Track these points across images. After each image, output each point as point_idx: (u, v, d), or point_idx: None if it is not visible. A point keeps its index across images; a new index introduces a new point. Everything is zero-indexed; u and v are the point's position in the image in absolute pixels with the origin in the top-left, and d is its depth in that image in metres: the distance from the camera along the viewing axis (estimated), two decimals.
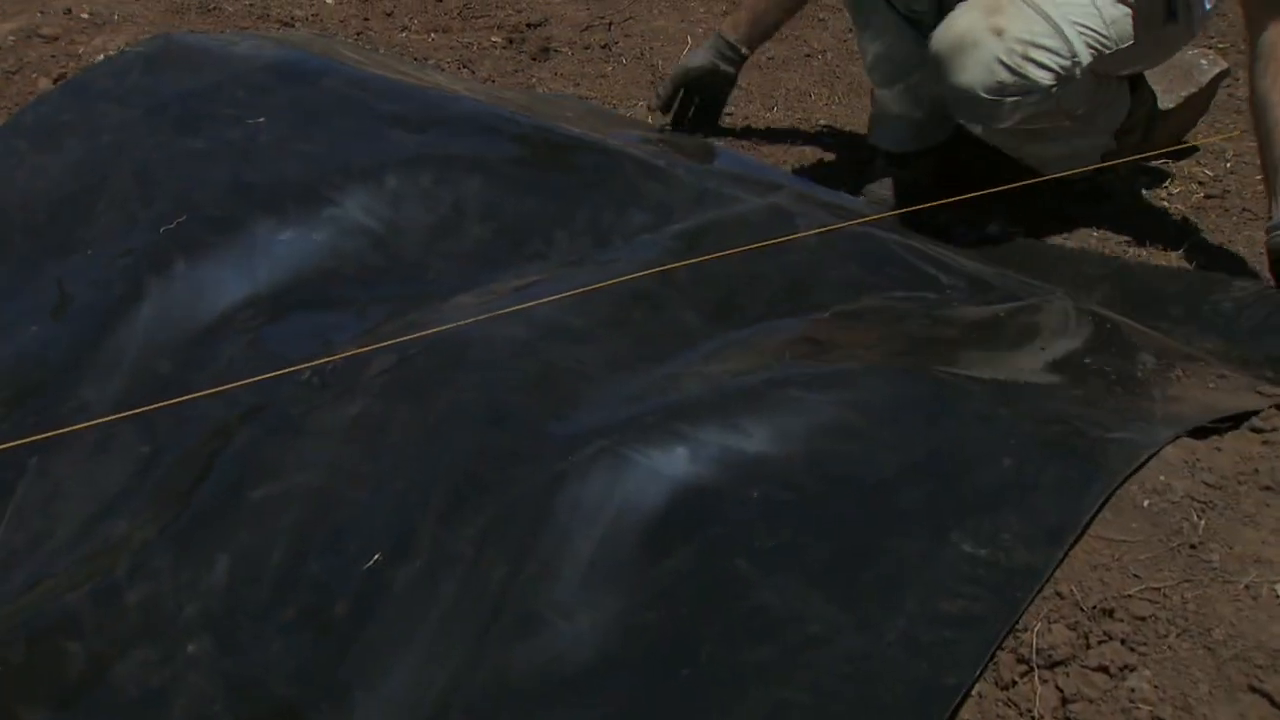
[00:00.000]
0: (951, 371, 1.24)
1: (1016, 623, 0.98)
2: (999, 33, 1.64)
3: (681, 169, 1.67)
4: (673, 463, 1.08)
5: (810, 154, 2.31)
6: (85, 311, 1.42)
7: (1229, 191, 2.11)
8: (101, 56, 2.39)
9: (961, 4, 1.74)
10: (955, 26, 1.69)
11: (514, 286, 1.41)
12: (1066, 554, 1.03)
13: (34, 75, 2.30)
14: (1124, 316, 1.51)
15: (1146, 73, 2.22)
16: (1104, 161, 1.96)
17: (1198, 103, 2.25)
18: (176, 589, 1.11)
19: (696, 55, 2.23)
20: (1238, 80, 2.64)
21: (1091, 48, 1.70)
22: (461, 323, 1.29)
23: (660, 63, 2.80)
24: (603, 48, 2.90)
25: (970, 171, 1.98)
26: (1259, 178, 2.16)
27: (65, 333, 1.40)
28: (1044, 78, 1.67)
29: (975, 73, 1.66)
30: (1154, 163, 2.22)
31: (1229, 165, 2.23)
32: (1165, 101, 2.18)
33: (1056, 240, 1.90)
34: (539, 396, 1.20)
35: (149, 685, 1.05)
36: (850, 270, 1.48)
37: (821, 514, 1.06)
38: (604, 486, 1.06)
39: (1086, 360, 1.31)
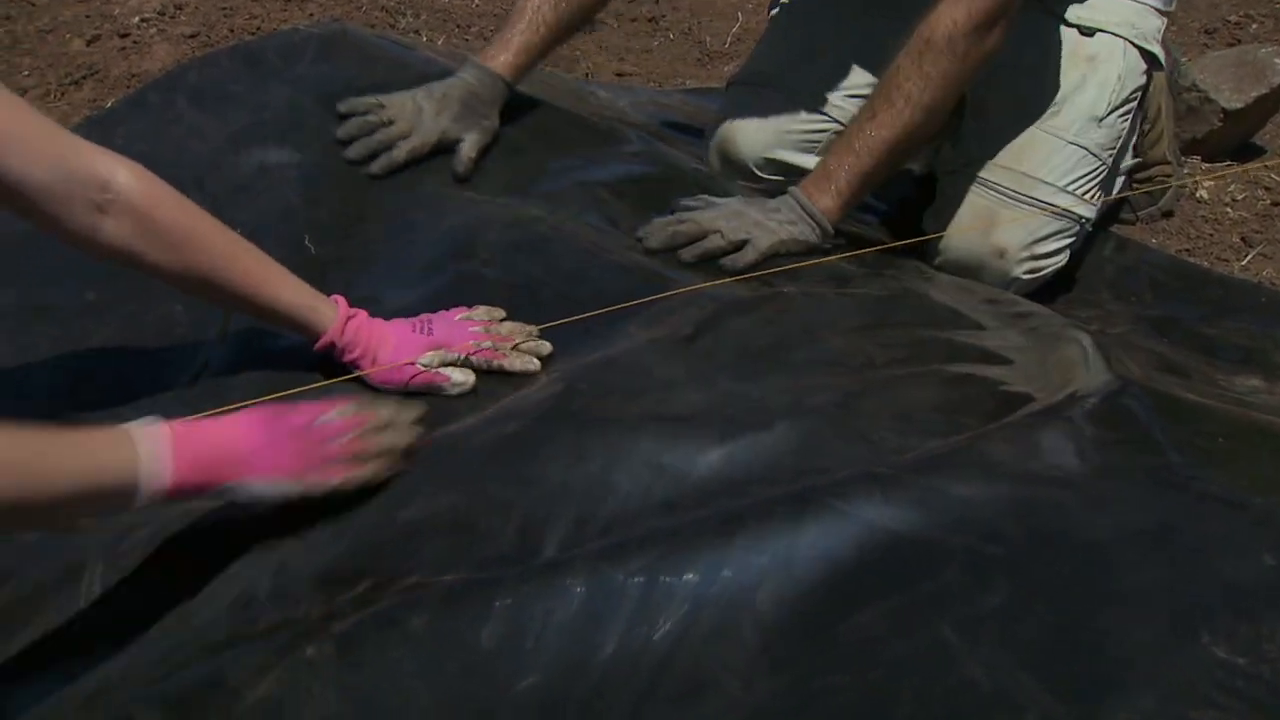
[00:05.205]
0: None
1: None
2: (1001, 254, 1.58)
3: None
4: (864, 503, 0.96)
5: None
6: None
7: None
8: (137, 19, 2.35)
9: (956, 210, 1.61)
10: (954, 251, 1.60)
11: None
12: None
13: (67, 35, 2.27)
14: None
15: (1213, 70, 2.14)
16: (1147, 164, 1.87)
17: (1268, 103, 2.15)
18: None
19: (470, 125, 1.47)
20: None
21: (1090, 193, 1.61)
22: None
23: (709, 39, 2.73)
24: (649, 20, 2.83)
25: None
26: None
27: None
28: (1058, 257, 1.62)
29: (990, 288, 1.58)
30: (1218, 165, 2.13)
31: None
32: (1233, 101, 2.09)
33: (1109, 250, 1.82)
34: (704, 426, 1.07)
35: None
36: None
37: (1033, 578, 0.92)
38: (786, 530, 0.94)
39: None
